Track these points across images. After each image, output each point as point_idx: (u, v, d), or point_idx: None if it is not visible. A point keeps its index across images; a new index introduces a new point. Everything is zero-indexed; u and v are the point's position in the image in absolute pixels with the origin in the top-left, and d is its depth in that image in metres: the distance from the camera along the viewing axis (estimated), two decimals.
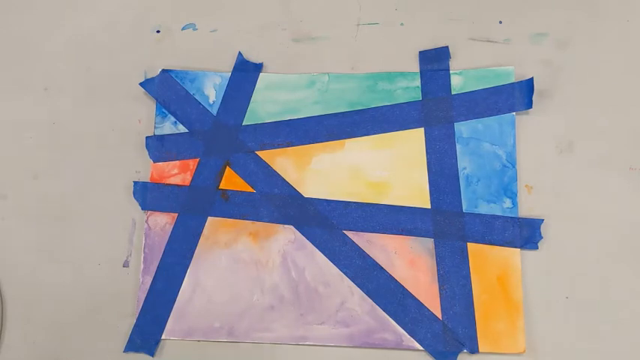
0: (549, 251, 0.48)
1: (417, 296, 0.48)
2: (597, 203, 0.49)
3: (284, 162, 0.51)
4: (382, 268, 0.49)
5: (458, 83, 0.51)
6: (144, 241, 0.50)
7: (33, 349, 0.49)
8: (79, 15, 0.55)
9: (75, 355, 0.49)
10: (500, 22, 0.53)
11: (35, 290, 0.50)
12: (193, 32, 0.54)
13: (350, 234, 0.49)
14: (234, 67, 0.53)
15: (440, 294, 0.48)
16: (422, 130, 0.51)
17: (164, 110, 0.52)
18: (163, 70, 0.53)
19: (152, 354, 0.48)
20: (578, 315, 0.47)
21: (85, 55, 0.54)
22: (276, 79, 0.53)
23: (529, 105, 0.50)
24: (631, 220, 0.49)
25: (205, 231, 0.50)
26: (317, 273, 0.49)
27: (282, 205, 0.50)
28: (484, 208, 0.49)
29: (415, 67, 0.52)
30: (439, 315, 0.48)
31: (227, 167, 0.51)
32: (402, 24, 0.53)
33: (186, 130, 0.52)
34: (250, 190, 0.51)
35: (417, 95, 0.51)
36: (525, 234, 0.48)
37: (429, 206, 0.49)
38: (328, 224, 0.50)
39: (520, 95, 0.50)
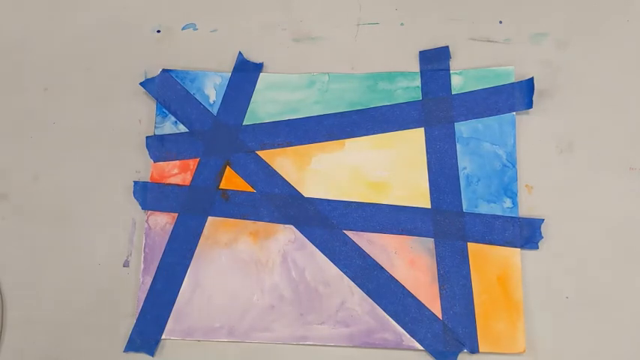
0: (549, 251, 0.48)
1: (417, 296, 0.48)
2: (597, 203, 0.49)
3: (284, 162, 0.51)
4: (382, 268, 0.49)
5: (458, 83, 0.51)
6: (144, 241, 0.50)
7: (33, 349, 0.49)
8: (78, 15, 0.55)
9: (75, 355, 0.49)
10: (501, 22, 0.53)
11: (35, 290, 0.50)
12: (193, 32, 0.54)
13: (350, 234, 0.49)
14: (234, 67, 0.53)
15: (440, 294, 0.48)
16: (422, 130, 0.51)
17: (164, 110, 0.52)
18: (164, 70, 0.53)
19: (152, 354, 0.48)
20: (578, 315, 0.47)
21: (85, 55, 0.54)
22: (277, 79, 0.53)
23: (529, 105, 0.50)
24: (631, 220, 0.49)
25: (205, 231, 0.50)
26: (317, 273, 0.49)
27: (283, 204, 0.50)
28: (484, 208, 0.49)
29: (415, 67, 0.52)
30: (439, 315, 0.48)
31: (227, 167, 0.51)
32: (402, 24, 0.53)
33: (187, 130, 0.52)
34: (250, 189, 0.51)
35: (417, 95, 0.51)
36: (525, 234, 0.48)
37: (429, 206, 0.49)
38: (328, 224, 0.49)
39: (520, 95, 0.50)
